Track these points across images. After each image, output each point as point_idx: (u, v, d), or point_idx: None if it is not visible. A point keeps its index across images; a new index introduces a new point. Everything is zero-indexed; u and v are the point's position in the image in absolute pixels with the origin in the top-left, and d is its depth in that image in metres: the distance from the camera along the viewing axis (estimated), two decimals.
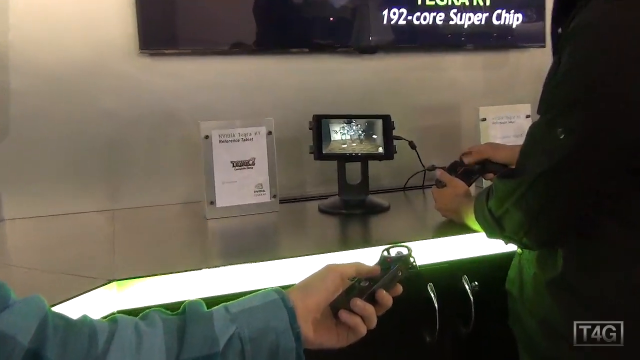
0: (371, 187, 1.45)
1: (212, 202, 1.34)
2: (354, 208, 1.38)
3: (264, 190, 1.37)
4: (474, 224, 1.02)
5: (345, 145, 1.40)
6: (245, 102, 1.55)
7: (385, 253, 0.78)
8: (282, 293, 0.68)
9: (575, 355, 0.86)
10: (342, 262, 0.75)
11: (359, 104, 1.62)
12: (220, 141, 1.33)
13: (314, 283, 0.71)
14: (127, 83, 1.46)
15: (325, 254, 1.07)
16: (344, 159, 1.41)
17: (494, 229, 0.93)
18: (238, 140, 1.35)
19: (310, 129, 1.39)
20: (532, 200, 0.84)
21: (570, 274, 0.87)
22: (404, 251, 0.77)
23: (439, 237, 1.15)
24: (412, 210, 1.53)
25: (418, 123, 1.69)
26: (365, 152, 1.40)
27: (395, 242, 0.83)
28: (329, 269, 0.73)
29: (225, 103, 1.54)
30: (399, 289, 0.75)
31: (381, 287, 0.72)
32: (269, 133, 1.37)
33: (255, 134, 1.36)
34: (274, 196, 1.38)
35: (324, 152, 1.39)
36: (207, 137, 1.32)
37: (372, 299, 0.71)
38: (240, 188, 1.36)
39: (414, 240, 1.11)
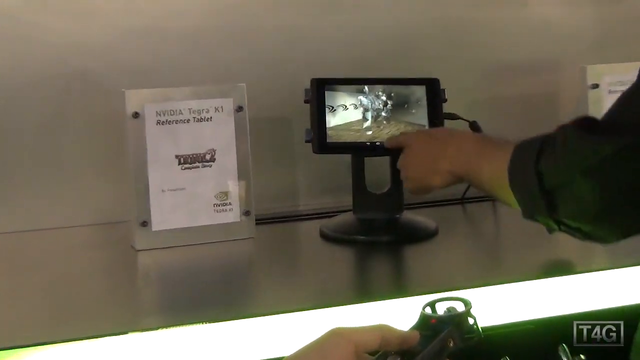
0: (408, 197, 1.45)
1: (145, 223, 1.34)
2: (378, 233, 1.39)
3: (230, 204, 1.38)
4: (500, 189, 1.02)
5: (369, 132, 1.41)
6: (200, 58, 1.56)
7: (429, 310, 0.79)
8: None
9: None
10: (358, 326, 0.75)
11: (386, 61, 1.62)
12: (158, 122, 1.34)
13: (311, 357, 0.72)
14: (4, 28, 1.46)
15: (329, 309, 1.07)
16: (361, 151, 1.42)
17: (538, 204, 0.94)
18: (188, 121, 1.36)
19: (306, 101, 1.40)
20: (618, 170, 0.86)
21: None
22: (459, 307, 0.78)
23: (519, 280, 1.15)
24: (474, 234, 1.52)
25: (485, 92, 1.70)
26: None
27: (444, 291, 0.84)
28: (337, 335, 0.73)
29: (166, 60, 1.55)
30: None
31: None
32: (239, 109, 1.38)
33: (217, 110, 1.37)
34: (247, 213, 1.39)
35: (328, 141, 1.40)
36: (136, 114, 1.33)
37: None
38: (192, 200, 1.36)
39: (476, 287, 1.11)
